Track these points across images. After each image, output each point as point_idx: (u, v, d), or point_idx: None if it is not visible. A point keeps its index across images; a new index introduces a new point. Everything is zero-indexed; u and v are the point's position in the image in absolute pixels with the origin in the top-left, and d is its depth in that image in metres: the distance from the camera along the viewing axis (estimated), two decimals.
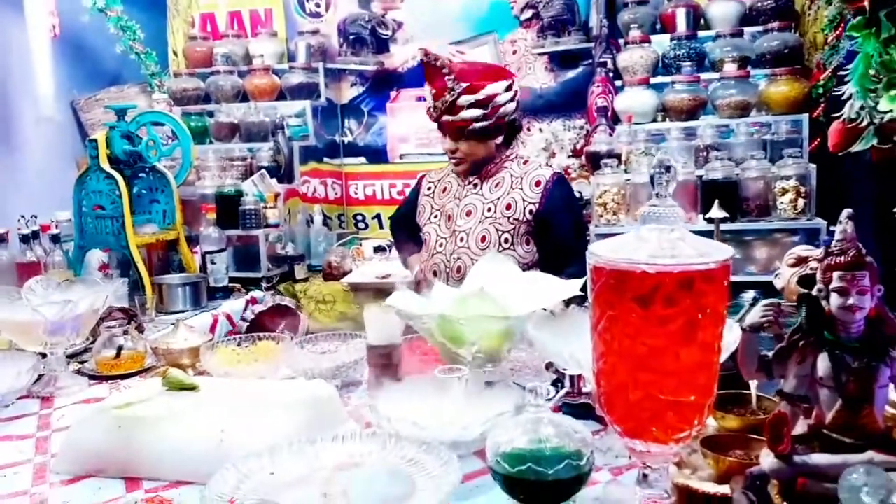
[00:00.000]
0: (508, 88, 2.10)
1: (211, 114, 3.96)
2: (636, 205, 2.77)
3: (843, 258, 0.72)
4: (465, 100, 2.04)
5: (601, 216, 2.87)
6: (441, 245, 2.22)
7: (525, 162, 2.21)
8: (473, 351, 1.32)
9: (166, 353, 1.74)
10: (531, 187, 2.12)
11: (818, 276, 0.75)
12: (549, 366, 0.92)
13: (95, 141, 2.62)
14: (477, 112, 2.05)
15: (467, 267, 2.10)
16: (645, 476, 0.95)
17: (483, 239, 2.13)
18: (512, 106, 2.11)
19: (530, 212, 2.10)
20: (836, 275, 0.73)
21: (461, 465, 0.99)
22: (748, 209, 2.91)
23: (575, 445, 0.94)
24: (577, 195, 3.07)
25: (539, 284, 1.42)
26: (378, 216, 4.36)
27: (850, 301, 0.72)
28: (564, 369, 0.97)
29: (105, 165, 2.61)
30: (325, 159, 4.27)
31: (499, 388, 1.25)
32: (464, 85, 2.03)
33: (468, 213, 2.19)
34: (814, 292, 0.75)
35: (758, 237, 2.89)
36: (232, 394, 1.34)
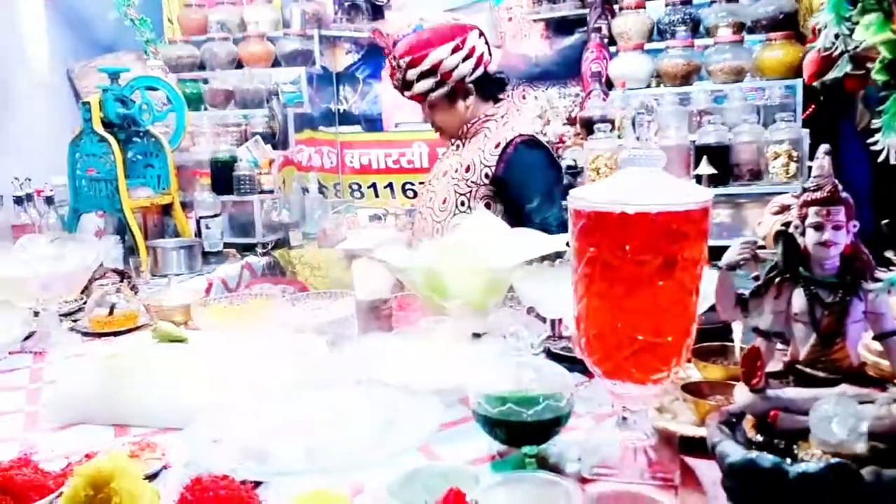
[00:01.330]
0: (456, 49, 2.00)
1: (205, 81, 3.93)
2: None
3: (819, 193, 0.72)
4: (412, 74, 2.00)
5: (594, 181, 2.86)
6: (424, 205, 2.23)
7: (506, 123, 2.10)
8: (458, 304, 1.32)
9: (158, 309, 1.74)
10: (491, 150, 2.03)
11: (794, 213, 0.74)
12: (530, 310, 0.92)
13: (89, 104, 2.61)
14: (429, 82, 2.01)
15: (422, 231, 2.09)
16: (625, 419, 0.96)
17: (444, 201, 2.10)
18: (467, 65, 2.01)
19: (486, 175, 2.02)
20: (811, 210, 0.72)
21: (446, 413, 1.00)
22: (740, 174, 2.90)
23: (555, 388, 0.94)
24: (572, 163, 3.08)
25: (524, 239, 1.42)
26: (374, 185, 4.35)
27: (826, 236, 0.72)
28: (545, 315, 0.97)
29: (98, 128, 2.59)
30: (321, 128, 4.25)
31: (485, 339, 1.25)
32: (407, 59, 1.99)
33: (444, 174, 2.16)
34: (790, 229, 0.75)
35: (750, 201, 2.88)
36: (222, 347, 1.34)
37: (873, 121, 0.73)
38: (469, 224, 1.52)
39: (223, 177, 3.21)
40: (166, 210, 2.98)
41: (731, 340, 1.25)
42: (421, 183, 2.29)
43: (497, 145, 2.03)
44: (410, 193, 4.21)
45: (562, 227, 1.53)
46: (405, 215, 3.72)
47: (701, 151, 2.85)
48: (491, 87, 2.11)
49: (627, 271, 0.86)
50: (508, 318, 1.43)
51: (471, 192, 2.04)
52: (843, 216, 0.71)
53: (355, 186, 4.39)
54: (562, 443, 0.99)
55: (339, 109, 4.29)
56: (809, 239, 0.73)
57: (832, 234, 0.71)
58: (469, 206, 2.03)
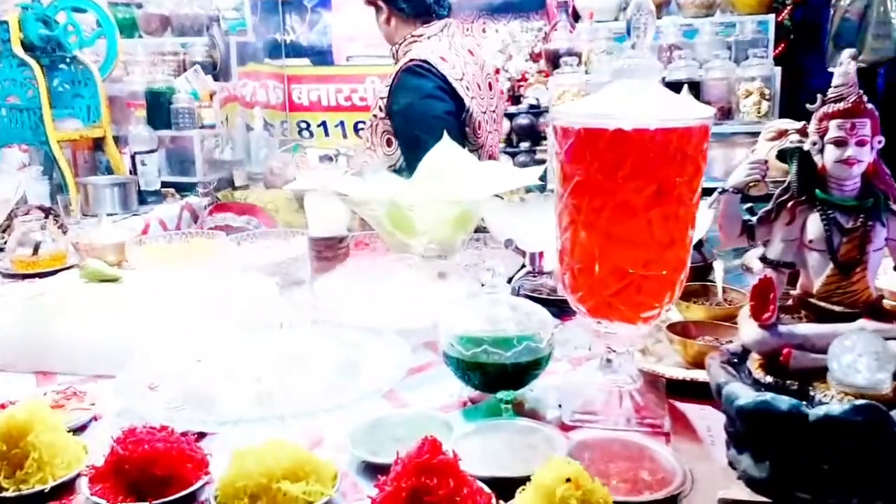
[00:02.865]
0: None
1: (139, 5, 3.69)
2: None
3: (841, 105, 0.65)
4: None
5: None
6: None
7: (418, 46, 1.88)
8: (425, 242, 1.24)
9: (89, 248, 1.62)
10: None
11: (812, 128, 0.68)
12: (508, 243, 0.85)
13: (6, 23, 2.40)
14: None
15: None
16: (609, 361, 0.90)
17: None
18: None
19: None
20: (833, 124, 0.66)
21: (413, 357, 0.93)
22: None
23: (534, 328, 0.87)
24: (535, 101, 2.99)
25: (494, 171, 1.33)
26: (324, 123, 4.19)
27: (848, 153, 0.65)
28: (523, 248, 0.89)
29: (18, 51, 2.39)
30: (266, 60, 4.05)
31: (452, 278, 1.18)
32: None
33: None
34: (805, 146, 0.68)
35: (719, 140, 2.84)
36: (158, 287, 1.24)
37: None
38: (434, 156, 1.43)
39: (160, 109, 3.03)
40: (98, 145, 2.81)
41: (712, 280, 1.20)
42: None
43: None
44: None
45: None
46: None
47: (671, 88, 2.78)
48: (411, 3, 1.90)
49: (619, 198, 0.78)
50: (479, 254, 1.36)
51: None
52: (869, 130, 0.65)
53: (303, 125, 4.22)
54: (539, 388, 0.93)
55: (285, 40, 4.10)
56: (829, 156, 0.66)
57: (856, 150, 0.65)
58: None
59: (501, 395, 0.88)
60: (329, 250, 1.36)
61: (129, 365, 0.87)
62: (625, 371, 0.89)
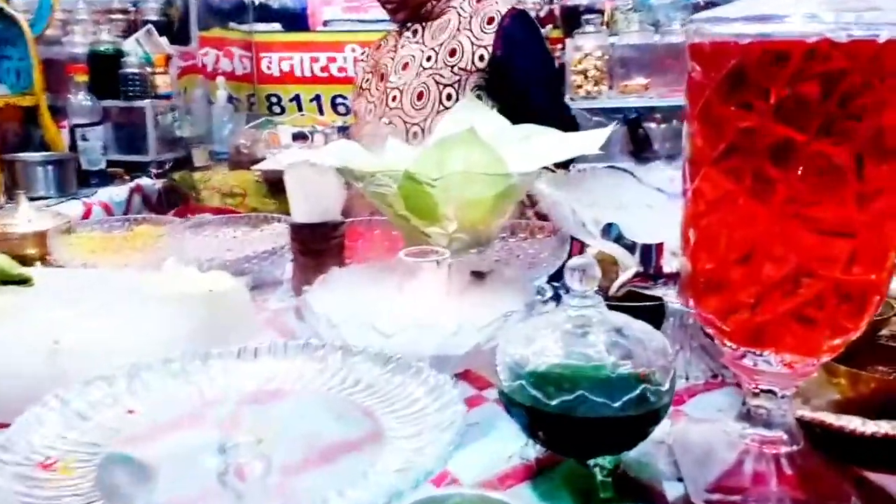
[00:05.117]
0: None
1: None
2: (622, 73, 2.41)
3: None
4: None
5: (579, 87, 2.50)
6: (370, 112, 1.85)
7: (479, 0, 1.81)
8: (451, 230, 0.96)
9: (1, 238, 1.32)
10: (482, 26, 1.74)
11: None
12: (606, 230, 0.58)
13: None
14: None
15: (399, 134, 1.73)
16: (756, 409, 0.62)
17: (420, 96, 1.77)
18: None
19: (480, 58, 1.72)
20: None
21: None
22: None
23: (650, 362, 0.60)
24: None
25: (540, 138, 1.06)
26: (297, 98, 3.89)
27: None
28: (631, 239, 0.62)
29: None
30: (231, 24, 3.74)
31: (494, 281, 0.90)
32: None
33: (404, 67, 1.82)
34: None
35: None
36: (82, 289, 0.95)
37: None
38: (454, 119, 1.15)
39: (105, 75, 2.71)
40: (29, 116, 2.49)
41: None
42: (363, 89, 1.91)
43: (490, 20, 1.73)
44: (343, 109, 3.77)
45: (569, 128, 1.19)
46: (336, 134, 3.31)
47: None
48: None
49: (815, 156, 0.51)
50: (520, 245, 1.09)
51: (459, 81, 1.73)
52: None
53: (274, 99, 3.92)
54: (643, 445, 0.66)
55: (253, 2, 3.79)
56: None
57: None
58: (456, 101, 1.71)
59: (602, 460, 0.61)
60: (318, 241, 1.08)
61: (17, 423, 0.58)
62: (781, 424, 0.62)
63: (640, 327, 0.62)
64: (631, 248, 0.60)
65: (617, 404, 0.57)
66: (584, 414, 0.57)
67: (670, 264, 0.60)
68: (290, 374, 0.71)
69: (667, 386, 0.59)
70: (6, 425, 0.62)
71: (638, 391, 0.57)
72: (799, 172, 0.52)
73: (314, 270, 1.04)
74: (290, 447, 0.63)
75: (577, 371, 0.59)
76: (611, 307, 0.62)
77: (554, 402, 0.58)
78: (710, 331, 0.61)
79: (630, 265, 0.61)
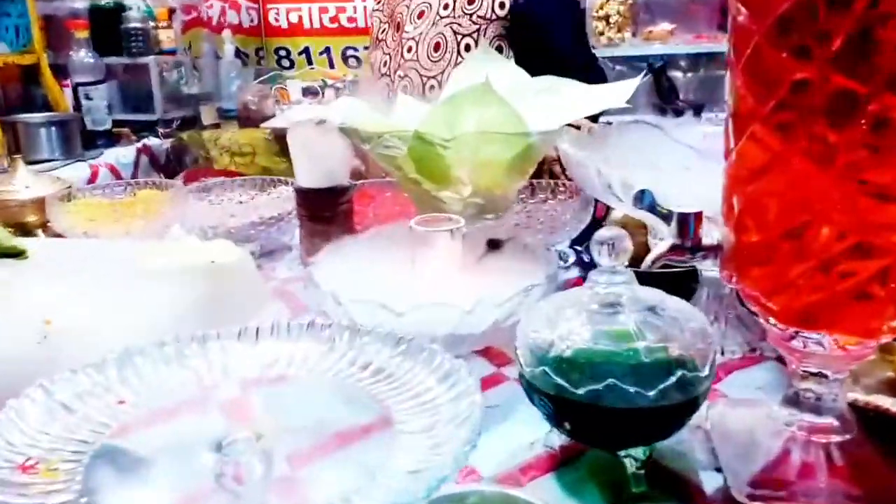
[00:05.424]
0: None
1: None
2: (647, 19, 2.30)
3: None
4: None
5: (601, 34, 2.40)
6: (385, 65, 1.77)
7: None
8: (466, 194, 0.90)
9: (0, 206, 1.27)
10: None
11: None
12: (639, 199, 0.52)
13: None
14: None
15: (415, 87, 1.66)
16: (805, 392, 0.57)
17: (437, 47, 1.68)
18: None
19: (501, 5, 1.64)
20: None
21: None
22: None
23: (689, 345, 0.54)
24: None
25: (562, 90, 0.99)
26: (307, 51, 3.78)
27: None
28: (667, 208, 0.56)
29: None
30: None
31: (512, 250, 0.84)
32: None
33: (420, 16, 1.73)
34: None
35: None
36: (79, 262, 0.90)
37: None
38: (468, 70, 1.08)
39: (106, 30, 2.64)
40: (30, 75, 2.44)
41: None
42: (368, 48, 1.83)
43: None
44: (354, 62, 3.67)
45: (596, 79, 1.12)
46: (347, 87, 3.23)
47: None
48: None
49: (880, 109, 0.45)
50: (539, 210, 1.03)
51: (479, 30, 1.64)
52: None
53: (283, 52, 3.81)
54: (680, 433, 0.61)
55: None
56: None
57: None
58: (456, 56, 1.64)
59: (635, 451, 0.56)
60: (325, 207, 1.03)
61: (1, 415, 0.54)
62: (831, 410, 0.57)
63: (675, 305, 0.57)
64: (666, 217, 0.53)
65: (651, 393, 0.52)
66: (614, 404, 0.52)
67: (711, 235, 0.54)
68: (295, 357, 0.66)
69: (706, 371, 0.54)
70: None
71: (675, 378, 0.52)
72: (862, 131, 0.45)
73: (321, 238, 0.99)
74: (295, 437, 0.58)
75: (606, 356, 0.53)
76: (637, 275, 0.57)
77: (581, 391, 0.52)
78: (754, 308, 0.55)
79: (665, 235, 0.55)
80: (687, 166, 0.66)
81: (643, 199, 0.55)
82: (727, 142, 0.54)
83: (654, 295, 0.57)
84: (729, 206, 0.54)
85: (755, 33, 0.49)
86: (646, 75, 0.83)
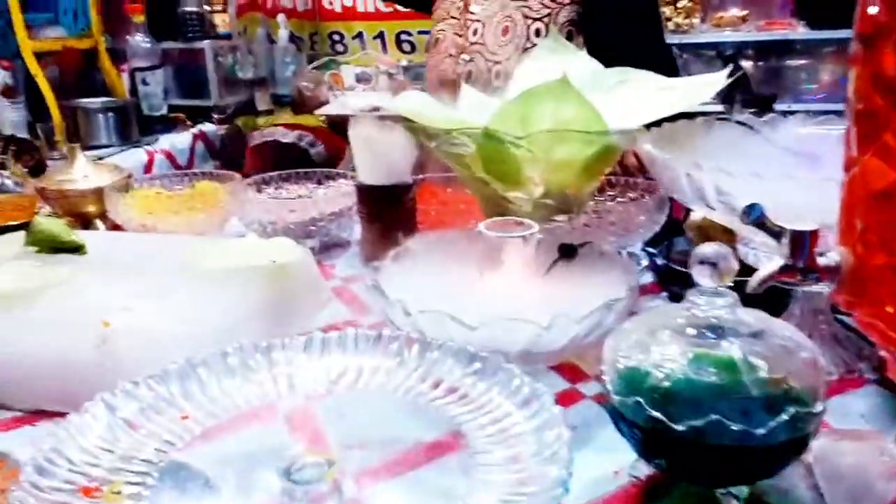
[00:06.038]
0: None
1: None
2: (717, 4, 2.22)
3: None
4: None
5: (668, 20, 2.32)
6: (454, 45, 1.71)
7: None
8: (538, 195, 0.86)
9: (58, 195, 1.27)
10: None
11: None
12: (748, 214, 0.47)
13: None
14: None
15: (480, 73, 1.60)
16: None
17: (505, 31, 1.61)
18: None
19: None
20: None
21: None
22: None
23: (801, 377, 0.49)
24: None
25: (639, 83, 0.94)
26: (360, 35, 3.76)
27: None
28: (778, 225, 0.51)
29: None
30: None
31: (588, 257, 0.80)
32: None
33: None
34: None
35: None
36: (136, 259, 0.88)
37: None
38: (537, 62, 1.03)
39: (162, 14, 2.64)
40: (89, 60, 2.45)
41: None
42: (422, 32, 1.77)
43: None
44: (407, 46, 3.64)
45: (670, 71, 1.06)
46: (401, 73, 3.19)
47: None
48: None
49: None
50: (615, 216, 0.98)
51: (550, 14, 1.56)
52: None
53: (337, 37, 3.80)
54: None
55: None
56: None
57: None
58: (545, 38, 1.55)
59: (736, 490, 0.52)
60: (387, 206, 1.00)
61: (62, 431, 0.51)
62: None
63: (782, 332, 0.52)
64: (777, 234, 0.48)
65: (760, 431, 0.47)
66: (718, 441, 0.48)
67: (828, 256, 0.49)
68: (363, 371, 0.63)
69: (819, 408, 0.49)
70: (60, 414, 0.56)
71: (785, 416, 0.47)
72: None
73: (383, 237, 0.96)
74: (363, 455, 0.55)
75: (709, 388, 0.49)
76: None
77: (681, 427, 0.48)
78: (874, 338, 0.50)
79: (774, 253, 0.50)
80: (790, 174, 0.60)
81: (752, 212, 0.49)
82: (848, 150, 0.49)
83: (758, 319, 0.52)
84: (849, 223, 0.49)
85: (892, 30, 0.43)
86: (734, 69, 0.78)
